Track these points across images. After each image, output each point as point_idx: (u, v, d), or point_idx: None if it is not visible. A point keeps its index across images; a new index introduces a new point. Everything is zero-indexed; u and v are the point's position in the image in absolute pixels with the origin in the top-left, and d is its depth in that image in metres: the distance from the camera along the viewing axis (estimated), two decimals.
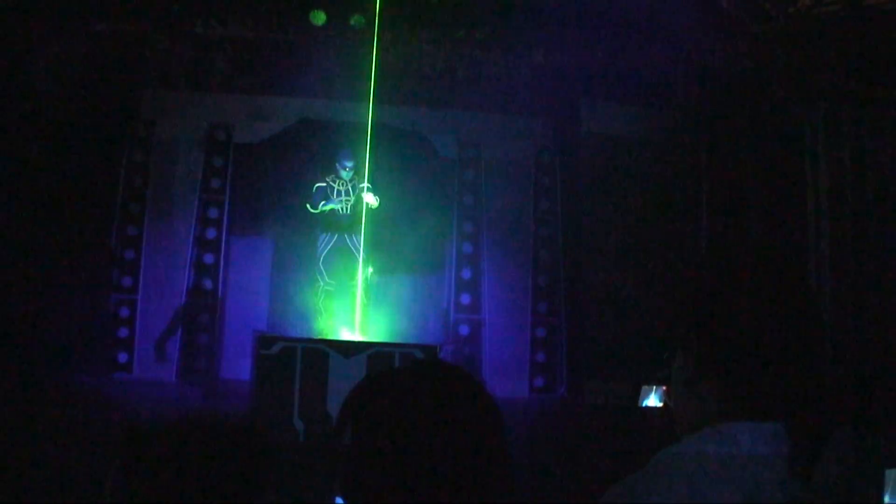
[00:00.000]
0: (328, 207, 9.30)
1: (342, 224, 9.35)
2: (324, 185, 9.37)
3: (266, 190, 10.36)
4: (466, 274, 10.29)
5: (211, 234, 10.10)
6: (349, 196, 9.35)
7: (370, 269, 9.36)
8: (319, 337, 8.68)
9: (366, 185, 9.19)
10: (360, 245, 9.19)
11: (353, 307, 9.10)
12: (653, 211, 9.91)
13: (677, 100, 9.87)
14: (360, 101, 9.17)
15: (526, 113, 10.49)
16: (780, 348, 1.23)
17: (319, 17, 9.42)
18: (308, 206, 9.37)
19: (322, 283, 9.34)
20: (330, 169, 9.49)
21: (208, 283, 10.02)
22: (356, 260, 9.20)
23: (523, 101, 10.31)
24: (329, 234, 9.37)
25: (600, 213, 10.02)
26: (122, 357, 9.67)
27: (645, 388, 7.46)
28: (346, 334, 8.89)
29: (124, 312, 9.79)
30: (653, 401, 7.43)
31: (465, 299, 10.23)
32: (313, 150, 10.23)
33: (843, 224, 8.21)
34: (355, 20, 9.43)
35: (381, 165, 9.46)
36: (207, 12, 9.54)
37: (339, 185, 9.33)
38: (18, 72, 8.58)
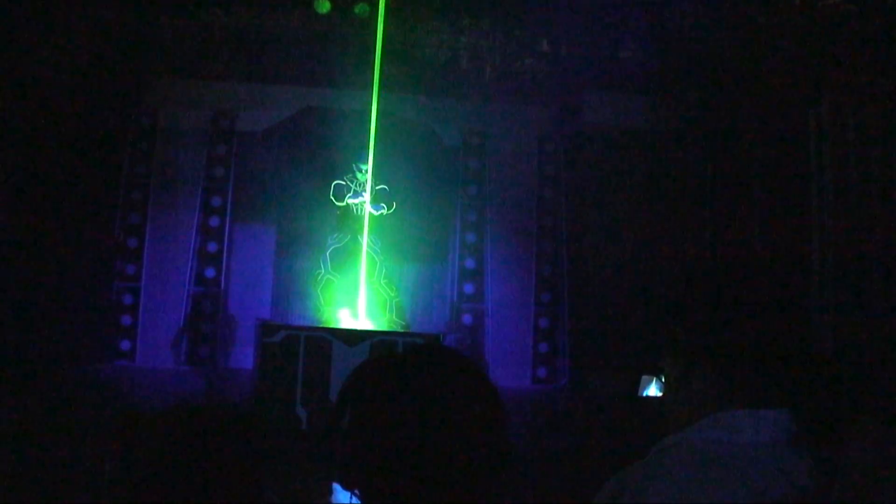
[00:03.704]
0: (354, 202, 9.55)
1: (356, 223, 9.55)
2: (342, 182, 9.57)
3: (269, 178, 10.35)
4: (470, 263, 10.29)
5: (214, 222, 10.10)
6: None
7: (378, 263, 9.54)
8: (322, 325, 8.71)
9: (383, 187, 9.51)
10: (371, 244, 9.46)
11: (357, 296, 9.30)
12: (656, 202, 9.89)
13: (681, 91, 9.83)
14: (364, 89, 9.16)
15: (530, 102, 10.46)
16: (770, 336, 1.23)
17: (324, 6, 9.41)
18: (333, 198, 9.55)
19: (324, 272, 9.48)
20: (338, 160, 9.57)
21: (211, 272, 10.04)
22: (368, 255, 9.42)
23: (527, 91, 10.29)
24: (341, 231, 9.59)
25: (603, 204, 10.00)
26: (125, 345, 9.69)
27: (645, 377, 7.43)
28: (348, 322, 8.92)
29: (127, 300, 9.81)
30: (653, 391, 7.40)
31: (469, 289, 10.23)
32: (317, 138, 10.22)
33: (847, 217, 8.18)
34: (359, 9, 9.42)
35: (385, 154, 9.47)
36: (211, 1, 9.52)
37: (356, 185, 9.47)
38: (23, 61, 8.56)
